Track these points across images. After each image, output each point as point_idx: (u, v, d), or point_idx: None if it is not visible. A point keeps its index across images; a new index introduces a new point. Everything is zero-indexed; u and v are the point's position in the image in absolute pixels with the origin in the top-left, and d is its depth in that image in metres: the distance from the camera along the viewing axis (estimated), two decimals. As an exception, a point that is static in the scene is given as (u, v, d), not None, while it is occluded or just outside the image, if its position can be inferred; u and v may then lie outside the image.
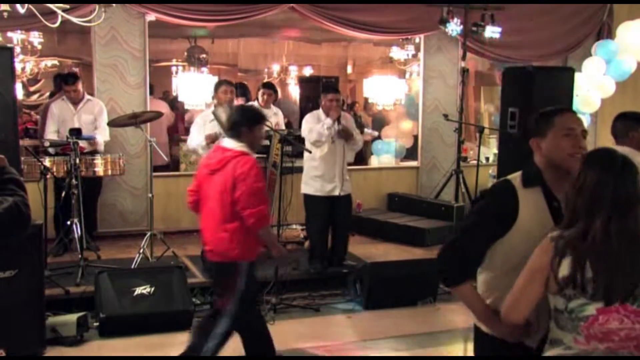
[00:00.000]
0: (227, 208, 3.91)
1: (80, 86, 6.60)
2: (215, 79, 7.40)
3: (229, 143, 4.03)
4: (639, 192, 2.09)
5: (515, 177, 2.47)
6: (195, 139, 5.92)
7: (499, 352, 2.49)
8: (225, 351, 4.85)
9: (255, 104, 7.31)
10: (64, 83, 6.67)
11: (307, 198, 6.24)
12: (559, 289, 2.12)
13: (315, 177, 6.15)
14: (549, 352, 2.22)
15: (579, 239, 2.09)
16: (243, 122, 4.04)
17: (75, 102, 6.58)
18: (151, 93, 7.85)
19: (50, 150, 6.29)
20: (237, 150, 3.97)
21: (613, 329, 2.08)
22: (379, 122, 10.45)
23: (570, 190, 2.17)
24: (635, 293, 2.07)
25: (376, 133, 9.94)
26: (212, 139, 5.77)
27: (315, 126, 6.04)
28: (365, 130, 6.38)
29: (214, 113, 5.84)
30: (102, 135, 6.58)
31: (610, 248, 2.05)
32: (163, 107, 8.50)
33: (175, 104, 9.59)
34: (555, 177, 2.43)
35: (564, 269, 2.10)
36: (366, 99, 10.36)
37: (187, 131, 7.09)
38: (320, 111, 6.18)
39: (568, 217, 2.16)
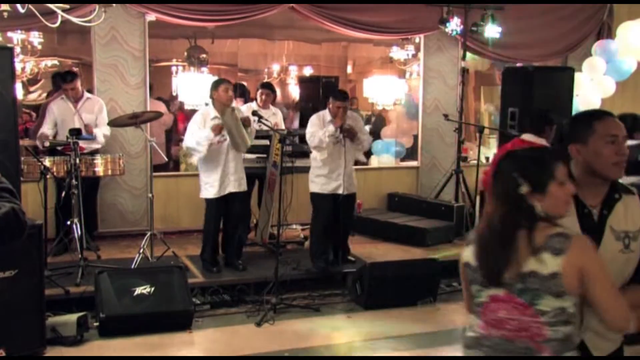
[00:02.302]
0: None
1: (78, 84, 6.58)
2: (215, 79, 7.41)
3: (530, 137, 4.89)
4: (504, 192, 2.18)
5: None
6: (197, 135, 5.82)
7: None
8: (224, 351, 4.86)
9: (253, 104, 7.31)
10: (62, 81, 6.66)
11: (313, 195, 6.28)
12: (464, 275, 2.30)
13: (320, 175, 6.19)
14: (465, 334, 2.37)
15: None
16: (547, 122, 4.96)
17: (75, 100, 6.57)
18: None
19: (46, 144, 6.23)
20: (539, 144, 4.72)
21: (504, 318, 2.17)
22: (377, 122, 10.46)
23: None
24: (514, 283, 2.13)
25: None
26: (219, 130, 5.77)
27: (318, 131, 6.04)
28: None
29: (225, 119, 5.83)
30: (102, 130, 6.56)
31: (482, 236, 2.22)
32: (160, 107, 8.48)
33: (170, 105, 9.57)
34: (593, 184, 2.37)
35: (465, 256, 2.28)
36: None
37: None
38: (326, 112, 6.18)
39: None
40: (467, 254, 2.26)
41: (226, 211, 6.10)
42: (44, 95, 9.29)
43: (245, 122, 5.96)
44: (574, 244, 2.09)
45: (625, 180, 4.95)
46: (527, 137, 4.97)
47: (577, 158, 2.38)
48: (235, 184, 5.99)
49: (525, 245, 2.11)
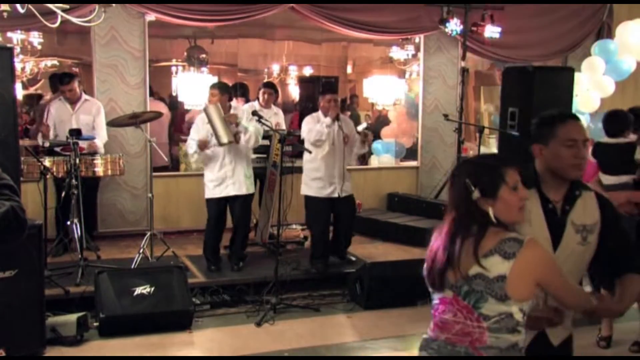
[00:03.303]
0: None
1: (75, 85, 6.56)
2: (215, 79, 7.41)
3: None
4: (455, 200, 2.24)
5: None
6: (192, 145, 5.97)
7: None
8: (224, 351, 4.87)
9: (255, 104, 7.31)
10: (60, 83, 6.67)
11: (308, 199, 6.26)
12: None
13: (316, 178, 6.18)
14: None
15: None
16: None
17: (73, 102, 6.57)
18: (151, 94, 7.85)
19: (46, 144, 6.25)
20: None
21: (449, 320, 2.24)
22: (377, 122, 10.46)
23: None
24: (461, 285, 2.19)
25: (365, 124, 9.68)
26: (204, 145, 5.85)
27: (314, 126, 6.06)
28: (359, 127, 6.42)
29: (204, 110, 5.86)
30: (100, 137, 6.56)
31: (435, 241, 2.27)
32: (161, 107, 8.48)
33: (174, 104, 9.58)
34: (554, 182, 2.52)
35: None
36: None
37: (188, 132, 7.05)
38: (319, 113, 6.20)
39: None
40: None
41: (233, 212, 6.14)
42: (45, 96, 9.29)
43: (230, 119, 5.84)
44: (525, 248, 2.14)
45: (612, 179, 5.01)
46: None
47: (540, 157, 2.53)
48: (234, 187, 5.97)
49: (474, 248, 2.16)
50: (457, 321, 2.21)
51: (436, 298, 2.29)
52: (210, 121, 5.79)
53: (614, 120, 5.10)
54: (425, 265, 2.31)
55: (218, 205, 6.04)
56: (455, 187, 2.26)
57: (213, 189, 5.98)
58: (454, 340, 2.22)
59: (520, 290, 2.14)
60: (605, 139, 5.11)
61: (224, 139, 5.75)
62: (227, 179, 5.95)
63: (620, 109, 5.24)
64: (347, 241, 6.54)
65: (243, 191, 6.03)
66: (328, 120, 6.05)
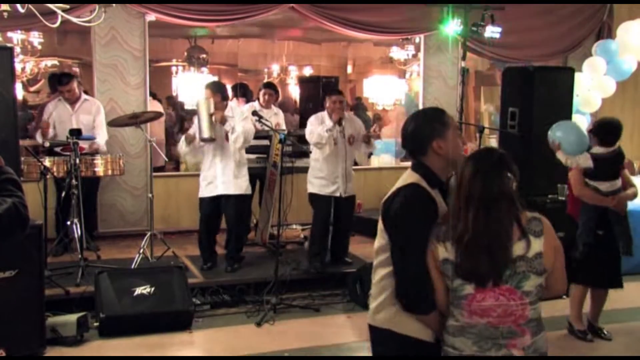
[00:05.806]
0: None
1: (74, 86, 6.57)
2: (215, 79, 7.40)
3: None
4: (505, 189, 2.29)
5: (420, 181, 2.52)
6: (183, 138, 6.03)
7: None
8: (224, 351, 4.86)
9: (255, 104, 7.31)
10: (58, 83, 6.67)
11: (312, 196, 6.27)
12: (439, 271, 2.36)
13: (318, 177, 6.19)
14: (446, 323, 2.44)
15: (457, 227, 2.31)
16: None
17: (72, 102, 6.57)
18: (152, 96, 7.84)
19: (46, 144, 6.26)
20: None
21: (490, 306, 2.31)
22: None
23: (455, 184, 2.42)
24: (504, 275, 2.28)
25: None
26: (190, 139, 5.88)
27: (316, 128, 6.04)
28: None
29: (196, 103, 5.89)
30: (101, 137, 6.57)
31: (476, 238, 2.27)
32: (155, 106, 8.46)
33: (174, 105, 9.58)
34: (445, 174, 2.58)
35: (442, 252, 2.34)
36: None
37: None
38: (324, 113, 6.18)
39: (452, 206, 2.38)
40: (444, 250, 2.34)
41: (224, 212, 6.13)
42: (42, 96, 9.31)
43: (216, 116, 5.78)
44: (545, 225, 2.35)
45: (607, 185, 5.03)
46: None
47: (439, 152, 2.53)
48: (223, 186, 5.93)
49: (517, 234, 2.30)
50: (499, 304, 2.30)
51: (468, 289, 2.31)
52: (198, 114, 5.82)
53: (612, 130, 5.03)
54: (452, 257, 2.31)
55: (209, 205, 6.03)
56: (496, 182, 2.30)
57: (204, 188, 6.01)
58: (495, 322, 2.31)
59: (550, 261, 2.33)
60: (601, 150, 4.99)
61: (205, 134, 5.74)
62: (217, 178, 5.94)
63: (613, 117, 5.21)
64: (346, 242, 6.53)
65: (231, 191, 5.95)
66: (329, 123, 6.01)
